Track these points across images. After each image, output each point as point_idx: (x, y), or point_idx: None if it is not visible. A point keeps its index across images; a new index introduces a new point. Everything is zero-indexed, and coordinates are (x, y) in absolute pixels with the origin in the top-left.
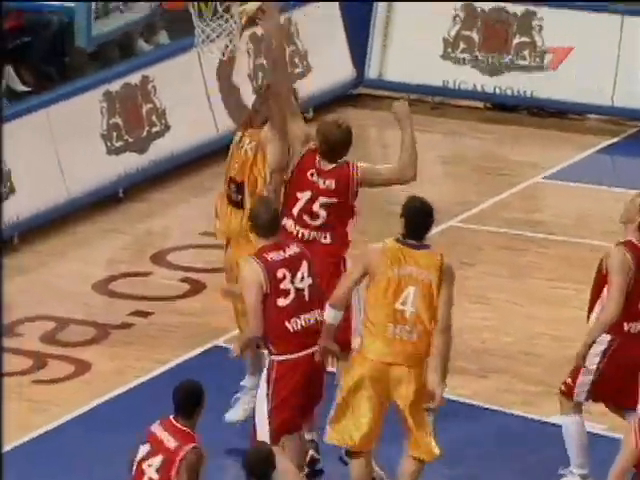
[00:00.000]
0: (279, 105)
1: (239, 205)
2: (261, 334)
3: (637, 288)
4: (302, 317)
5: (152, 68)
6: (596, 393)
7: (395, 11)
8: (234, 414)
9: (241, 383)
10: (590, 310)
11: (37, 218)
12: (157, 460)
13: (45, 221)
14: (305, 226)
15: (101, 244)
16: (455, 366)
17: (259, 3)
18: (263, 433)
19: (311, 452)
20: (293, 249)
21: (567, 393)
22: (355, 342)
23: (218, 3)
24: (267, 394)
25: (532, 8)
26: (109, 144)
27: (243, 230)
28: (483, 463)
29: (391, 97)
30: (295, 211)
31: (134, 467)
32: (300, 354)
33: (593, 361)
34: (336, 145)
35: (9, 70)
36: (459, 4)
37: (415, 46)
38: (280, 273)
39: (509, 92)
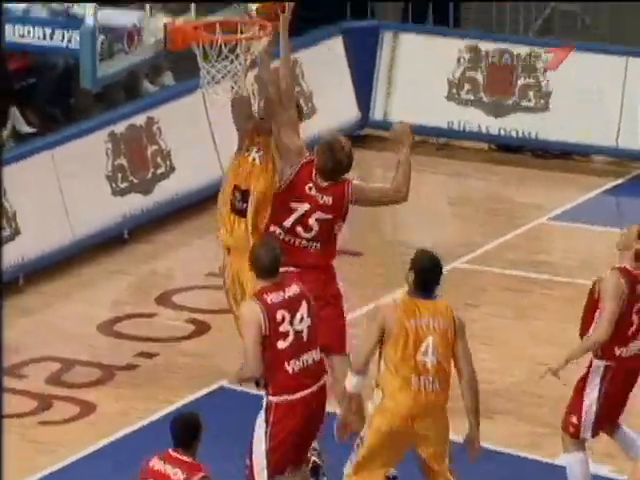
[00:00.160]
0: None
1: (242, 213)
2: (260, 375)
3: (629, 314)
4: (301, 358)
5: (157, 109)
6: (600, 423)
7: (400, 52)
8: None
9: None
10: (582, 334)
11: (42, 259)
12: None
13: (50, 262)
14: (297, 236)
15: (106, 285)
16: (460, 408)
17: (264, 44)
18: (260, 473)
19: (313, 458)
20: (293, 289)
21: (574, 434)
22: (376, 397)
23: (223, 44)
24: (265, 434)
25: (537, 50)
26: (114, 185)
27: (245, 239)
28: None
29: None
30: (288, 222)
31: None
32: (298, 395)
33: (593, 393)
34: (339, 168)
35: (14, 111)
36: (463, 45)
37: (420, 87)
38: (279, 315)
39: (514, 133)
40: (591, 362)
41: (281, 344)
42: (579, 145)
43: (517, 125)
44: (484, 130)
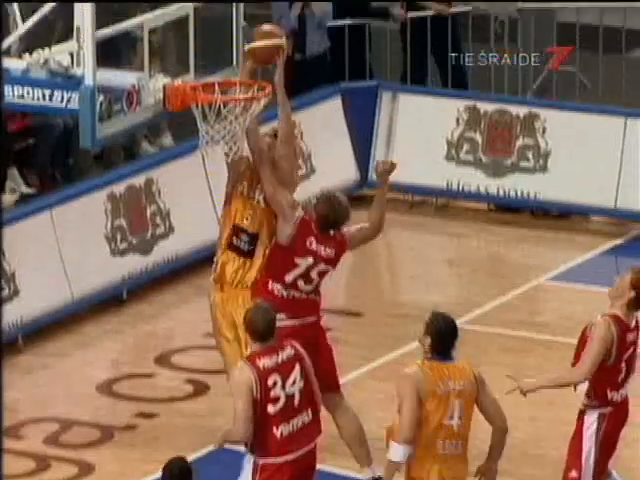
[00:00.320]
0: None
1: (249, 255)
2: (249, 439)
3: (619, 361)
4: (291, 422)
5: (156, 170)
6: (598, 473)
7: (398, 113)
8: None
9: None
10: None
11: (41, 319)
12: None
13: (49, 322)
14: (297, 290)
15: (105, 345)
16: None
17: (262, 106)
18: None
19: None
20: (287, 352)
21: None
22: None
23: (222, 105)
24: None
25: (535, 110)
26: (113, 246)
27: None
28: None
29: (395, 198)
30: (289, 277)
31: None
32: (287, 457)
33: (590, 445)
34: (340, 220)
35: (14, 172)
36: (462, 106)
37: (419, 148)
38: (271, 381)
39: (513, 194)
40: (582, 417)
41: (271, 409)
42: (578, 205)
43: (516, 185)
44: (483, 190)
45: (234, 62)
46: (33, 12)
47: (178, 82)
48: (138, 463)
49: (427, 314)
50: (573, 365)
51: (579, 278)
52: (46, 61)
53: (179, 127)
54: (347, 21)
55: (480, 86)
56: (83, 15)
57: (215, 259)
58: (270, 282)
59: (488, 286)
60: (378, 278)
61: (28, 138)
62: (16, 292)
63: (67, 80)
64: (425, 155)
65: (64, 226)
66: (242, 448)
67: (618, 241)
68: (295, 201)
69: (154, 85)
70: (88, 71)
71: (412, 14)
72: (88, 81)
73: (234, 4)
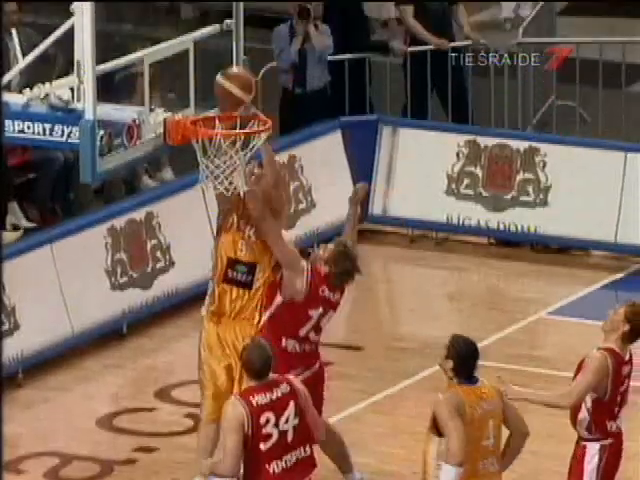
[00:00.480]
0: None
1: (247, 285)
2: (237, 476)
3: (615, 394)
4: (284, 458)
5: (157, 204)
6: None
7: (398, 147)
8: None
9: None
10: (572, 418)
11: (41, 354)
12: None
13: (49, 357)
14: (308, 342)
15: (105, 379)
16: None
17: (263, 140)
18: None
19: None
20: (282, 389)
21: None
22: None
23: (222, 140)
24: None
25: (535, 145)
26: (113, 280)
27: (246, 311)
28: None
29: (395, 232)
30: (303, 331)
31: None
32: None
33: (592, 476)
34: (354, 274)
35: (14, 206)
36: (462, 140)
37: (419, 182)
38: (264, 418)
39: (513, 228)
40: (581, 450)
41: (263, 446)
42: (578, 240)
43: (516, 220)
44: (483, 225)
45: None
46: (34, 47)
47: (179, 116)
48: None
49: (427, 348)
50: (570, 418)
51: (579, 312)
52: (46, 96)
53: (180, 161)
54: (347, 55)
55: (480, 120)
56: (83, 49)
57: (209, 292)
58: (284, 340)
59: (488, 320)
60: (378, 312)
61: (28, 172)
62: (16, 326)
63: (67, 114)
64: (425, 189)
65: (64, 260)
66: None
67: (618, 275)
68: (297, 252)
69: (154, 119)
70: (88, 105)
71: (412, 48)
72: (88, 115)
73: (234, 38)
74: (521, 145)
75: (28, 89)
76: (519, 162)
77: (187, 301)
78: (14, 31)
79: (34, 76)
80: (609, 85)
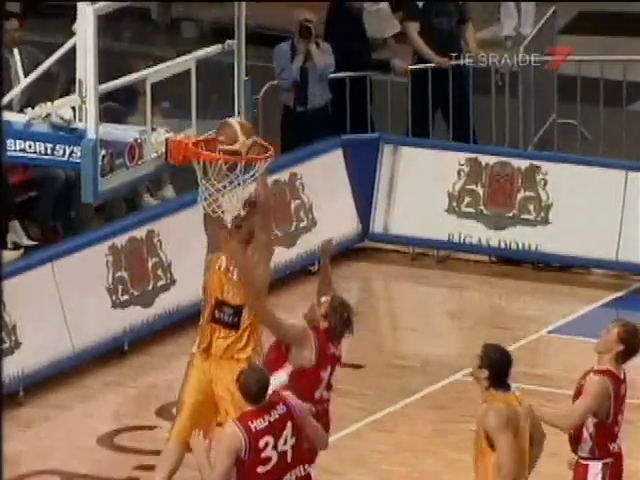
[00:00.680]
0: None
1: (233, 327)
2: None
3: (615, 414)
4: (284, 478)
5: (158, 222)
6: None
7: (399, 165)
8: None
9: None
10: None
11: (42, 372)
12: None
13: (50, 375)
14: (322, 401)
15: (106, 398)
16: None
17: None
18: None
19: None
20: (279, 410)
21: None
22: None
23: (223, 163)
24: None
25: (536, 163)
26: (114, 298)
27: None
28: None
29: (396, 251)
30: (318, 394)
31: None
32: None
33: None
34: (350, 324)
35: (15, 224)
36: (463, 158)
37: (420, 200)
38: (262, 442)
39: (514, 246)
40: (585, 470)
41: (261, 469)
42: (579, 258)
43: (517, 238)
44: (484, 243)
45: (236, 114)
46: (36, 65)
47: (180, 136)
48: None
49: (428, 366)
50: (570, 440)
51: (580, 331)
52: (48, 115)
53: (181, 179)
54: (349, 73)
55: (481, 139)
56: (86, 68)
57: (199, 330)
58: None
59: (489, 338)
60: (379, 329)
61: (30, 190)
62: (17, 344)
63: (69, 134)
64: (426, 207)
65: (65, 278)
66: None
67: (619, 294)
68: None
69: (156, 139)
70: (90, 125)
71: (413, 66)
72: (90, 135)
73: (235, 57)
74: (522, 163)
75: (30, 108)
76: (520, 180)
77: (188, 319)
78: (15, 49)
79: (36, 95)
80: (610, 103)
